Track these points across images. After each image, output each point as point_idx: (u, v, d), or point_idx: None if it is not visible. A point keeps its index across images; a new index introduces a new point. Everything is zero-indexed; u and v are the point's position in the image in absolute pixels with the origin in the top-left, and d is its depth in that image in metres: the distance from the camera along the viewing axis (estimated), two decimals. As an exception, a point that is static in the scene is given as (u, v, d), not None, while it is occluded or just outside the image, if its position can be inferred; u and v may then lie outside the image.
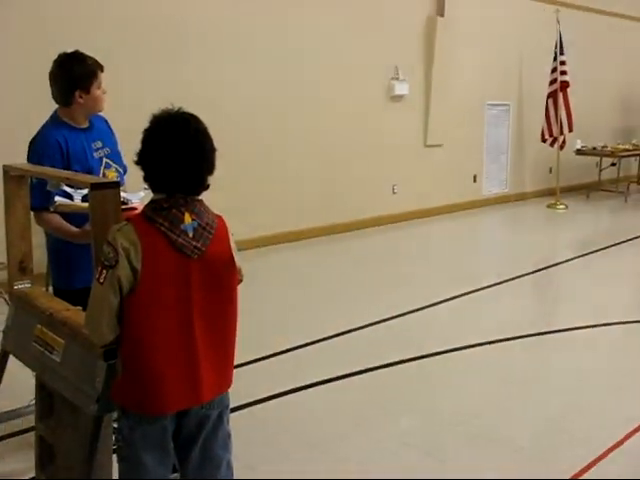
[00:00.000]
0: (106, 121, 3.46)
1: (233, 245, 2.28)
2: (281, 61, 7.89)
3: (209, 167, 2.21)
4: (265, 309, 5.85)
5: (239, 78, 7.54)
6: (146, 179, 2.19)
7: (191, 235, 2.15)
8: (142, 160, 2.18)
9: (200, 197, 2.24)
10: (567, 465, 3.42)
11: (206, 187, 2.22)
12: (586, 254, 8.07)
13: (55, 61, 3.19)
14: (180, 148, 2.13)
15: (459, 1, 9.74)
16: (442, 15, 9.61)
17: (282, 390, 4.24)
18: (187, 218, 2.15)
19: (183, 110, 2.19)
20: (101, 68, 3.24)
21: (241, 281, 2.36)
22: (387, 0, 8.94)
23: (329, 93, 8.43)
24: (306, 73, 8.16)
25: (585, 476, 3.34)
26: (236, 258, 2.28)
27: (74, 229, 3.10)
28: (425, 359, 4.79)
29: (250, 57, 7.62)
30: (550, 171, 11.79)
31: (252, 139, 7.74)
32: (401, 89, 9.24)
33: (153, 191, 2.20)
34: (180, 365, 2.17)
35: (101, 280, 2.10)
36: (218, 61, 7.37)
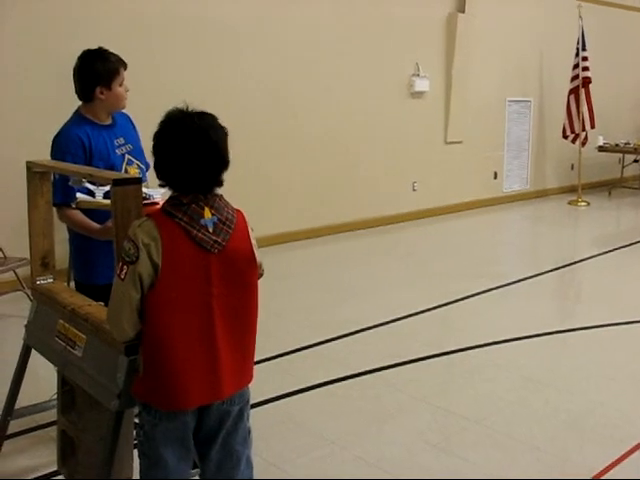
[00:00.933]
0: (129, 118, 3.49)
1: (253, 240, 2.28)
2: (300, 57, 7.90)
3: (223, 164, 2.20)
4: (285, 305, 5.86)
5: (256, 75, 7.55)
6: (159, 177, 2.20)
7: (211, 230, 2.15)
8: (154, 159, 2.20)
9: (220, 192, 2.25)
10: (588, 465, 3.39)
11: (220, 184, 2.22)
12: (608, 251, 8.00)
13: (79, 57, 3.23)
14: (191, 147, 2.12)
15: (480, -3, 9.70)
16: (463, 11, 9.56)
17: (301, 387, 4.24)
18: (207, 213, 2.15)
19: (195, 108, 2.18)
20: (124, 66, 3.26)
21: (261, 275, 2.36)
22: (408, -4, 8.92)
23: (349, 90, 8.42)
24: (326, 70, 8.15)
25: (606, 476, 3.31)
26: (256, 253, 2.27)
27: (95, 225, 3.12)
28: (445, 356, 4.78)
29: (268, 55, 7.62)
30: (572, 168, 11.69)
31: (271, 136, 7.75)
32: (421, 86, 9.21)
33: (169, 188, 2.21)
34: (201, 360, 2.17)
35: (122, 276, 2.11)
36: (235, 57, 7.38)
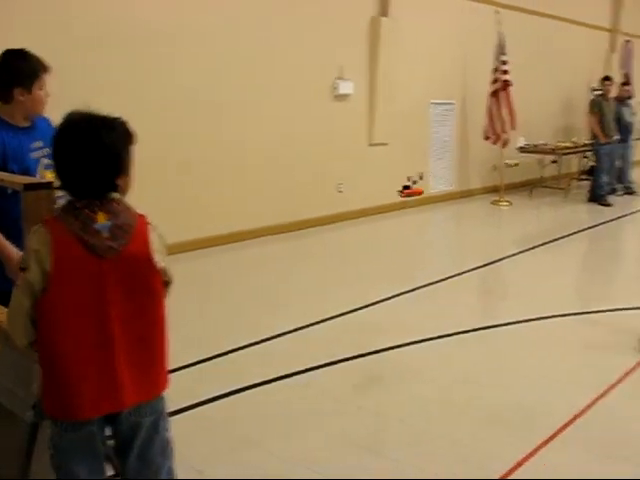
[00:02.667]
0: (49, 122, 3.40)
1: (157, 245, 2.22)
2: (222, 61, 7.83)
3: (116, 168, 2.15)
4: (210, 310, 5.81)
5: (182, 80, 7.44)
6: (58, 181, 2.17)
7: (106, 235, 2.10)
8: (54, 162, 2.16)
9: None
10: (508, 457, 3.47)
11: (114, 188, 2.16)
12: (529, 249, 8.21)
13: None
14: (80, 149, 2.09)
15: (403, 2, 9.79)
16: (386, 15, 9.65)
17: (226, 391, 4.20)
18: (101, 218, 2.11)
19: (94, 111, 2.15)
20: (46, 69, 3.18)
21: (169, 283, 2.30)
22: (331, 0, 8.95)
23: (273, 93, 8.39)
24: (249, 73, 8.10)
25: (525, 465, 3.40)
26: (159, 258, 2.21)
27: (8, 248, 3.02)
28: (369, 357, 4.81)
29: (192, 58, 7.52)
30: (494, 168, 11.91)
31: (194, 141, 7.63)
32: (346, 88, 9.25)
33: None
34: (96, 368, 2.12)
35: (18, 283, 2.10)
36: (164, 62, 7.27)
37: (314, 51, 8.81)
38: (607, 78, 12.09)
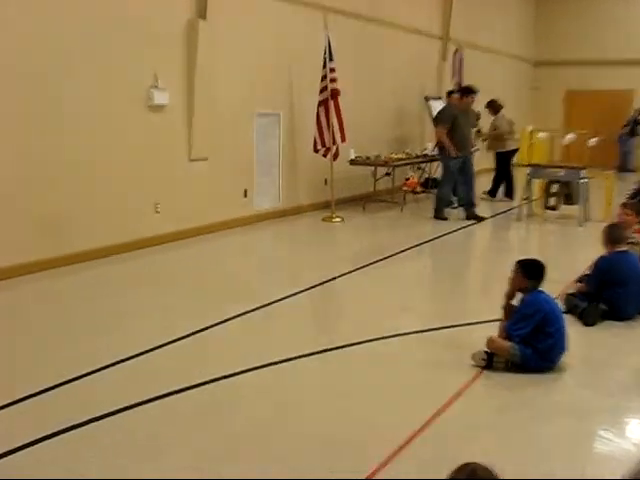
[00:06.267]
0: None
1: None
2: (20, 69, 7.43)
3: None
4: (16, 346, 5.59)
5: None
6: None
7: None
8: None
9: None
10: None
11: None
12: (363, 267, 8.41)
13: None
14: None
15: (223, 3, 9.76)
16: (204, 18, 9.55)
17: (50, 432, 4.06)
18: None
19: None
20: None
21: None
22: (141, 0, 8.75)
23: (78, 105, 8.04)
24: (52, 84, 7.72)
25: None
26: None
27: None
28: (197, 388, 4.77)
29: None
30: (325, 182, 12.05)
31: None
32: (161, 98, 9.05)
33: None
34: None
35: None
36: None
37: (124, 57, 8.54)
38: (470, 90, 12.32)
